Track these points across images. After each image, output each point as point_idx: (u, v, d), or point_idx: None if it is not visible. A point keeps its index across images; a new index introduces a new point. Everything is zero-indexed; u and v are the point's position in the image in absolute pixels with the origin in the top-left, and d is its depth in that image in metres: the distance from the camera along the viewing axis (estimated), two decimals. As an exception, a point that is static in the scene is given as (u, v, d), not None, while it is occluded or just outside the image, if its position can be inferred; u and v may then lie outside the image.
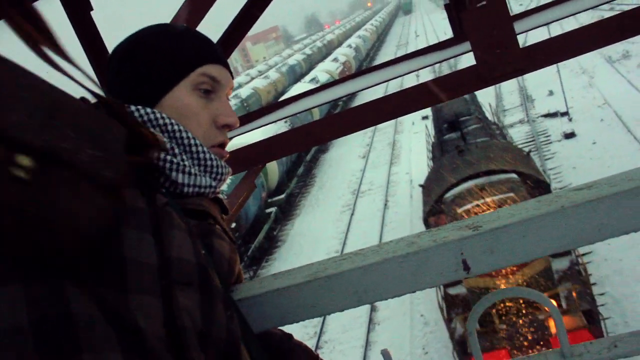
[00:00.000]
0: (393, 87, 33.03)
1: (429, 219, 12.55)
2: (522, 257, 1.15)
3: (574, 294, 9.76)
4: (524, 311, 10.15)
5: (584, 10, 2.66)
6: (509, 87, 29.06)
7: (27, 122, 0.67)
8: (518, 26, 2.85)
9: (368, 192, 22.79)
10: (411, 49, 55.59)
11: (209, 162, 1.13)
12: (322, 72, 40.96)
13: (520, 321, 10.13)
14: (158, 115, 1.08)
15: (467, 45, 2.66)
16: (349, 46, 57.72)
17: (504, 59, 2.29)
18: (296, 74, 54.78)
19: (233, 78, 1.25)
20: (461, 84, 2.40)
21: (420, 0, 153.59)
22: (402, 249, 1.20)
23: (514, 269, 10.57)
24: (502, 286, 10.72)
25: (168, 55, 1.13)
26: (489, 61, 2.30)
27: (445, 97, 2.44)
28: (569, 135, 20.69)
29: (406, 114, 2.58)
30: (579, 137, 20.43)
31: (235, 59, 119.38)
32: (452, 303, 11.12)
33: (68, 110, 0.74)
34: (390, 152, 26.37)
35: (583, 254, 13.42)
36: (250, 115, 3.67)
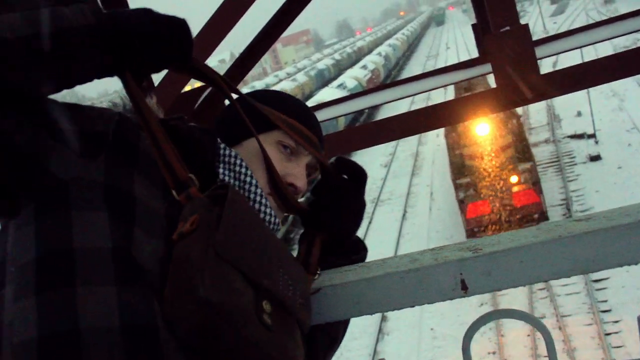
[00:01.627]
0: (419, 100, 32.97)
1: None
2: (518, 282, 1.20)
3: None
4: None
5: (608, 40, 2.69)
6: (536, 105, 28.80)
7: (276, 277, 0.94)
8: (540, 51, 2.89)
9: (387, 202, 22.75)
10: (441, 60, 55.40)
11: (256, 207, 1.17)
12: (350, 78, 40.96)
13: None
14: (232, 154, 1.18)
15: (489, 67, 2.70)
16: (379, 54, 57.67)
17: (523, 83, 2.33)
18: (324, 79, 54.82)
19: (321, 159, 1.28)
20: (481, 105, 2.44)
21: (453, 13, 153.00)
22: (404, 265, 1.25)
23: (494, 154, 17.48)
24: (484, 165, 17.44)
25: (274, 106, 1.22)
26: (509, 85, 2.34)
27: (465, 118, 2.49)
28: (595, 158, 20.48)
29: (426, 131, 2.62)
30: (605, 161, 20.21)
31: (264, 59, 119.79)
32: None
33: (290, 264, 1.01)
34: (412, 162, 26.31)
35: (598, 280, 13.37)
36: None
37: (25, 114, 0.83)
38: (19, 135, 0.81)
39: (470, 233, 17.07)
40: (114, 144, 0.93)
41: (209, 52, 2.73)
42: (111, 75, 0.92)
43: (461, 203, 17.65)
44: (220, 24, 2.73)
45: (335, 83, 40.07)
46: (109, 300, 0.81)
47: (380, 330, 14.42)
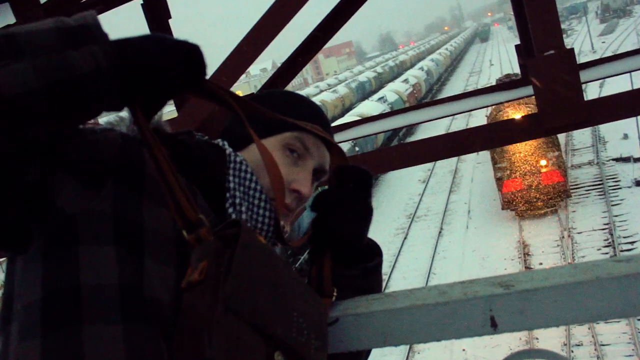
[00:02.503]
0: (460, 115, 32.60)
1: None
2: (551, 322, 1.14)
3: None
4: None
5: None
6: (580, 126, 28.23)
7: (289, 322, 0.91)
8: (585, 75, 2.81)
9: (424, 218, 22.56)
10: (484, 77, 54.88)
11: (260, 216, 1.16)
12: (391, 92, 40.87)
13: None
14: (239, 159, 1.16)
15: (531, 90, 2.64)
16: (421, 69, 57.43)
17: (566, 110, 2.26)
18: (365, 91, 54.84)
19: (339, 153, 1.26)
20: (521, 131, 2.38)
21: (498, 29, 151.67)
22: (432, 297, 1.20)
23: (527, 143, 18.83)
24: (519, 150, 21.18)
25: (275, 109, 1.17)
26: (551, 111, 2.27)
27: (504, 143, 2.43)
28: (641, 183, 19.92)
29: (464, 154, 2.57)
30: (652, 185, 19.65)
31: (306, 70, 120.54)
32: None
33: (304, 302, 0.98)
34: (451, 179, 26.05)
35: None
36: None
37: (35, 150, 0.82)
38: (30, 173, 0.81)
39: (506, 204, 20.57)
40: (119, 170, 0.91)
41: (250, 61, 2.74)
42: (120, 111, 0.91)
43: (499, 180, 21.31)
44: (262, 34, 2.72)
45: (376, 96, 40.00)
46: (115, 340, 0.80)
47: (410, 349, 14.25)
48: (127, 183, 0.91)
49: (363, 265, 1.23)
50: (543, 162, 21.10)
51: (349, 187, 1.20)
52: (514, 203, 20.43)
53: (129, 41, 0.84)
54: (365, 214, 1.20)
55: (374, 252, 1.26)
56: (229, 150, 1.17)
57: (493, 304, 1.14)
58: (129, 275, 0.84)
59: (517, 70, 3.73)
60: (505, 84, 3.24)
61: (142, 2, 3.32)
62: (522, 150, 21.30)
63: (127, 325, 0.81)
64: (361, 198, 1.20)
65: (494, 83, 34.89)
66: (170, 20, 3.50)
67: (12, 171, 0.78)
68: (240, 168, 1.15)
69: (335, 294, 1.19)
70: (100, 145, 0.91)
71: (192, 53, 0.90)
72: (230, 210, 1.12)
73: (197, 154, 1.12)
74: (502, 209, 20.57)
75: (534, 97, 2.40)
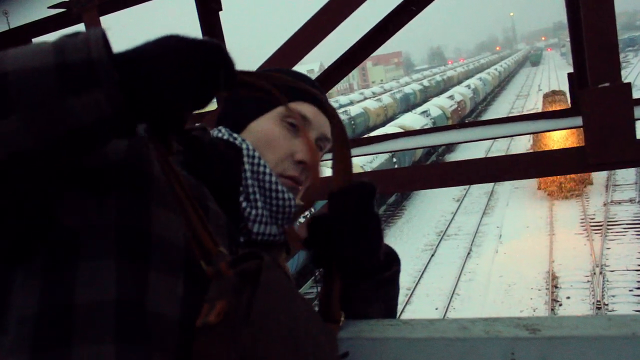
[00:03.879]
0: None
1: None
2: (577, 375, 1.06)
3: None
4: None
5: None
6: (625, 162, 27.63)
7: None
8: (638, 111, 2.69)
9: (454, 237, 22.28)
10: (531, 101, 54.08)
11: (274, 201, 1.14)
12: (435, 106, 40.51)
13: None
14: (239, 140, 1.15)
15: (579, 121, 2.53)
16: (468, 86, 56.84)
17: (615, 146, 2.16)
18: (409, 103, 54.61)
19: (338, 125, 1.19)
20: (563, 163, 2.28)
21: (551, 54, 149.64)
22: (452, 332, 1.14)
23: None
24: None
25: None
26: (600, 146, 2.17)
27: (545, 174, 2.33)
28: (683, 224, 19.35)
29: (501, 181, 2.48)
30: (691, 230, 19.08)
31: (352, 76, 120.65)
32: None
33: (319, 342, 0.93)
34: (485, 201, 25.69)
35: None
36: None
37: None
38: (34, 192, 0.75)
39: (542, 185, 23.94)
40: (125, 176, 0.85)
41: (294, 63, 2.71)
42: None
43: None
44: (311, 35, 2.68)
45: (420, 109, 39.70)
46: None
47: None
48: (134, 189, 0.85)
49: (379, 276, 1.16)
50: None
51: (350, 205, 1.11)
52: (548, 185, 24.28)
53: (138, 71, 0.72)
54: (374, 228, 1.12)
55: (391, 260, 1.19)
56: (245, 145, 1.14)
57: (516, 346, 1.07)
58: (129, 291, 0.79)
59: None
60: (553, 111, 3.14)
61: (194, -8, 3.31)
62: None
63: (120, 345, 0.76)
64: (365, 208, 1.12)
65: (540, 109, 35.39)
66: (220, 13, 3.49)
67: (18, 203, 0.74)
68: (258, 162, 1.13)
69: (342, 319, 1.14)
70: (104, 151, 0.85)
71: (216, 61, 0.79)
72: (245, 204, 1.10)
73: (210, 151, 1.08)
74: (538, 189, 24.51)
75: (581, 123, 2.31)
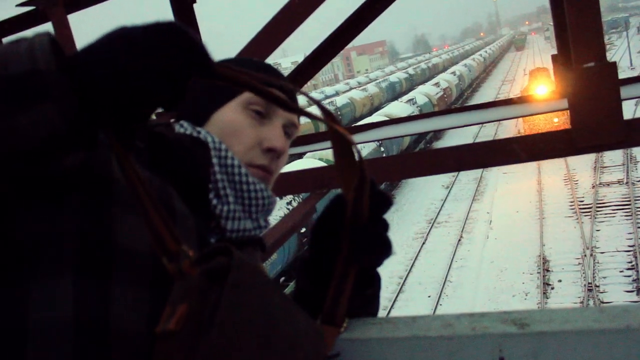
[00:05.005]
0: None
1: None
2: (569, 372, 1.01)
3: None
4: None
5: None
6: (611, 143, 27.76)
7: None
8: (626, 91, 2.64)
9: (444, 224, 22.34)
10: (517, 86, 54.25)
11: (245, 194, 1.09)
12: (421, 94, 40.56)
13: None
14: (203, 133, 1.08)
15: (565, 103, 2.48)
16: (453, 73, 56.87)
17: (603, 128, 2.10)
18: (395, 92, 54.62)
19: (299, 115, 1.17)
20: (550, 148, 2.23)
21: (535, 39, 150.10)
22: (436, 330, 1.07)
23: None
24: None
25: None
26: (586, 128, 2.11)
27: (532, 159, 2.28)
28: (671, 205, 19.45)
29: (487, 167, 2.43)
30: (681, 210, 19.18)
31: (337, 66, 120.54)
32: None
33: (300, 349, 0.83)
34: (474, 187, 25.76)
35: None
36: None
37: None
38: None
39: None
40: (83, 181, 0.77)
41: (270, 51, 2.65)
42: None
43: None
44: (284, 24, 2.62)
45: (406, 97, 39.73)
46: None
47: None
48: (94, 195, 0.77)
49: (363, 292, 1.08)
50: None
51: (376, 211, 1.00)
52: None
53: (89, 72, 0.65)
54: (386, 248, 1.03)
55: (372, 276, 1.10)
56: (210, 138, 1.08)
57: (504, 343, 1.01)
58: (88, 308, 0.72)
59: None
60: (538, 95, 3.09)
61: (166, -17, 3.23)
62: None
63: None
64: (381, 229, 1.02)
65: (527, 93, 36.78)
66: (195, 5, 3.41)
67: None
68: (226, 155, 1.08)
69: (345, 324, 1.05)
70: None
71: (176, 44, 0.69)
72: (215, 201, 1.04)
73: (176, 148, 1.01)
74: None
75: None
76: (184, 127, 1.10)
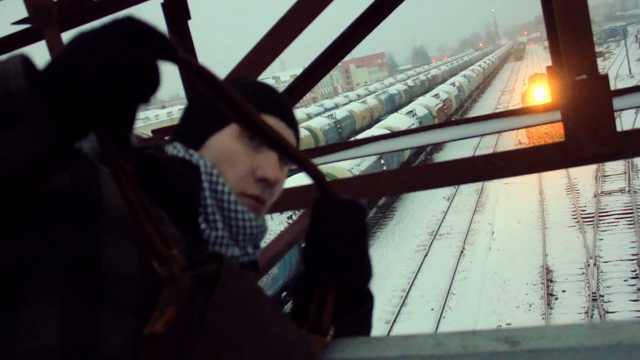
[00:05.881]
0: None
1: None
2: (561, 390, 1.00)
3: None
4: None
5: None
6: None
7: None
8: (619, 102, 2.64)
9: (446, 236, 22.27)
10: (516, 96, 54.30)
11: (233, 222, 1.08)
12: (421, 106, 40.64)
13: None
14: (196, 157, 1.08)
15: (559, 115, 2.48)
16: (453, 84, 57.03)
17: (596, 140, 2.10)
18: (394, 104, 54.71)
19: (298, 140, 1.21)
20: (544, 160, 2.22)
21: (534, 49, 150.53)
22: (427, 349, 1.06)
23: None
24: None
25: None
26: (578, 140, 2.11)
27: (525, 172, 2.27)
28: (674, 214, 19.35)
29: (483, 181, 2.43)
30: (683, 218, 19.09)
31: (336, 79, 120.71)
32: None
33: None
34: (476, 198, 25.72)
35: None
36: (336, 146, 3.61)
37: None
38: None
39: None
40: (71, 204, 0.77)
41: (263, 68, 2.65)
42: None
43: None
44: (278, 40, 2.62)
45: (405, 109, 39.78)
46: None
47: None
48: (83, 218, 0.77)
49: (356, 311, 1.08)
50: None
51: (349, 225, 1.04)
52: None
53: (55, 85, 0.64)
54: (369, 257, 1.07)
55: (364, 295, 1.10)
56: (202, 162, 1.07)
57: (496, 362, 1.00)
58: (76, 335, 0.71)
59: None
60: (532, 107, 3.09)
61: (162, 1, 3.24)
62: None
63: None
64: (364, 234, 1.07)
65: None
66: (190, 22, 3.42)
67: None
68: (217, 181, 1.07)
69: (331, 333, 1.04)
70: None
71: (136, 36, 0.67)
72: (204, 226, 1.03)
73: (168, 171, 1.00)
74: None
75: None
76: (177, 149, 1.09)
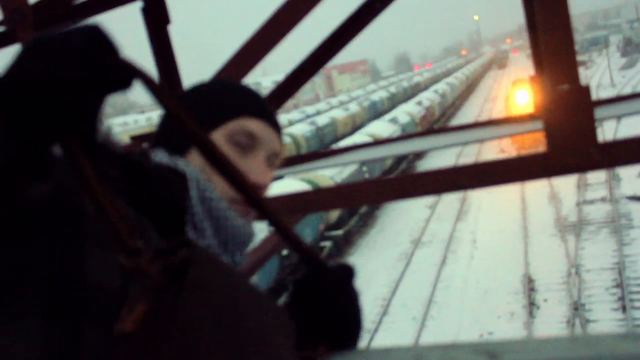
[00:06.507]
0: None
1: None
2: (540, 403, 0.99)
3: None
4: None
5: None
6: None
7: None
8: (601, 112, 2.66)
9: (428, 244, 22.30)
10: (499, 104, 54.77)
11: (223, 229, 1.09)
12: (404, 113, 40.76)
13: None
14: (182, 163, 1.07)
15: (541, 124, 2.49)
16: (436, 92, 57.29)
17: (577, 150, 2.10)
18: (377, 111, 54.78)
19: (282, 144, 1.21)
20: (526, 169, 2.23)
21: (517, 57, 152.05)
22: (407, 362, 1.06)
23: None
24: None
25: (208, 101, 1.11)
26: (561, 150, 2.12)
27: (507, 181, 2.28)
28: (654, 224, 19.55)
29: (465, 190, 2.43)
30: (665, 228, 19.29)
31: (318, 85, 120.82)
32: None
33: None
34: (458, 207, 25.83)
35: None
36: (314, 155, 3.60)
37: None
38: None
39: None
40: (52, 216, 0.74)
41: (247, 71, 2.64)
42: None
43: None
44: (260, 45, 2.61)
45: (388, 116, 39.88)
46: None
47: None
48: (64, 230, 0.74)
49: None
50: None
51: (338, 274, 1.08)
52: None
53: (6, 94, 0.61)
54: (360, 312, 1.11)
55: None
56: (188, 169, 1.06)
57: (475, 375, 0.99)
58: (58, 350, 0.69)
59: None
60: (515, 116, 3.11)
61: (141, 5, 3.21)
62: None
63: None
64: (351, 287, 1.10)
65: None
66: (169, 26, 3.40)
67: None
68: (204, 188, 1.06)
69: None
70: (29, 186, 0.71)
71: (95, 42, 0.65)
72: (191, 234, 1.04)
73: (154, 179, 0.98)
74: None
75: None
76: (158, 156, 1.09)
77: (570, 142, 2.11)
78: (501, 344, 1.03)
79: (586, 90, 2.10)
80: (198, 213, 1.04)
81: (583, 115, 2.08)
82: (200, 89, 1.18)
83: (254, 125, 1.12)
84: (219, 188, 1.07)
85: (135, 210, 0.87)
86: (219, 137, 1.09)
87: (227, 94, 1.13)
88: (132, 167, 0.95)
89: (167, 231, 0.94)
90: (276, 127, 1.17)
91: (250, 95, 1.17)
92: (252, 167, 1.11)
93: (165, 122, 1.16)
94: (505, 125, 3.27)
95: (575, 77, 2.13)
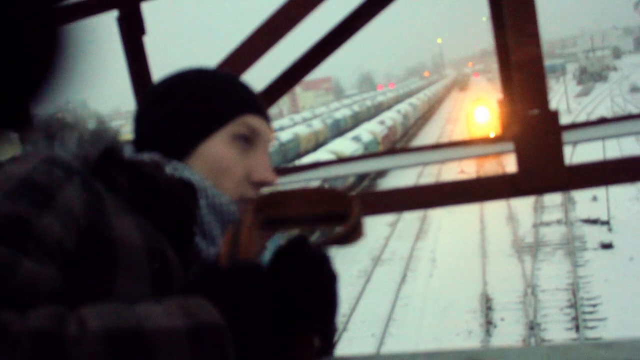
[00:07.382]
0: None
1: None
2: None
3: None
4: None
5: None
6: (549, 184, 28.52)
7: None
8: (567, 136, 2.77)
9: (388, 262, 22.38)
10: (460, 126, 55.63)
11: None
12: (367, 131, 41.01)
13: None
14: (187, 173, 1.05)
15: (510, 146, 2.58)
16: (398, 111, 57.87)
17: (546, 171, 2.19)
18: (340, 129, 54.95)
19: (272, 131, 1.20)
20: (495, 189, 2.31)
21: (478, 80, 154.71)
22: (390, 370, 1.09)
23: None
24: None
25: (209, 99, 1.08)
26: (530, 171, 2.21)
27: (477, 200, 2.36)
28: (606, 246, 20.00)
29: (433, 208, 2.50)
30: (617, 250, 19.75)
31: (282, 101, 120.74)
32: None
33: None
34: (419, 225, 26.02)
35: None
36: (281, 170, 3.64)
37: None
38: None
39: None
40: (85, 246, 0.78)
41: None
42: None
43: None
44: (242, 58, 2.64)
45: (351, 134, 40.09)
46: None
47: None
48: (97, 259, 0.79)
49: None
50: None
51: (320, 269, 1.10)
52: None
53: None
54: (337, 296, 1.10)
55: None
56: (194, 178, 1.05)
57: (458, 381, 1.04)
58: None
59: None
60: (483, 138, 3.21)
61: (117, 15, 3.20)
62: None
63: None
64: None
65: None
66: (144, 37, 3.39)
67: None
68: (213, 194, 1.05)
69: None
70: (57, 224, 0.76)
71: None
72: (202, 243, 1.04)
73: (166, 191, 0.97)
74: None
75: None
76: (170, 167, 1.06)
77: (540, 164, 2.20)
78: (483, 351, 1.08)
79: (555, 115, 2.20)
80: (207, 223, 1.04)
81: (552, 138, 2.18)
82: (199, 87, 1.12)
83: (255, 121, 1.11)
84: (229, 189, 1.07)
85: (149, 224, 0.91)
86: (224, 136, 1.07)
87: (229, 92, 1.11)
88: (145, 178, 0.96)
89: (177, 241, 0.97)
90: (269, 120, 1.17)
91: (248, 91, 1.15)
92: (259, 162, 1.10)
93: (160, 125, 1.09)
94: (472, 146, 3.36)
95: (544, 101, 2.23)
